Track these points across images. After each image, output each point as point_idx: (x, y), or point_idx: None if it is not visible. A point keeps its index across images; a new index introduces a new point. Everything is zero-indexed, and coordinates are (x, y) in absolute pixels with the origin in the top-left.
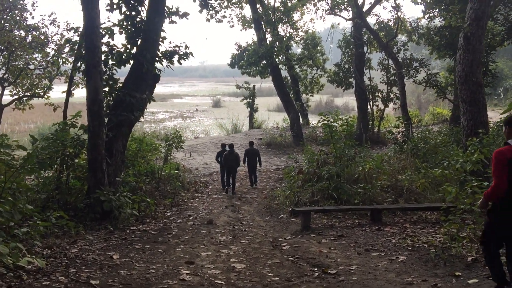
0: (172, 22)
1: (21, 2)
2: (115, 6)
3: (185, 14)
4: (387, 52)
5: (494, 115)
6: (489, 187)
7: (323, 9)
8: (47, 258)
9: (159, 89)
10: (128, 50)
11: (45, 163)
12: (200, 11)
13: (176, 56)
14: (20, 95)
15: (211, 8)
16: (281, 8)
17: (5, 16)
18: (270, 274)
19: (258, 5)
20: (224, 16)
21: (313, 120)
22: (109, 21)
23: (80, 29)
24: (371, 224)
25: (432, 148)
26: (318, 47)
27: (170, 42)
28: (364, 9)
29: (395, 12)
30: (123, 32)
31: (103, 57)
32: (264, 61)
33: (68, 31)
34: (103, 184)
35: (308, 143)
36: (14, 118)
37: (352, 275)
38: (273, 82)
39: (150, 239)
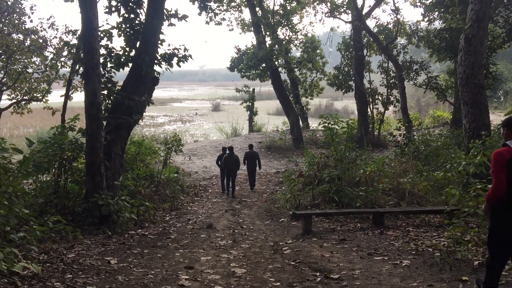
0: (171, 24)
1: (20, 5)
2: (113, 9)
3: (184, 17)
4: (387, 54)
5: (495, 118)
6: (489, 189)
7: (322, 12)
8: (43, 264)
9: (158, 93)
10: (126, 53)
11: (41, 166)
12: (199, 14)
13: (175, 59)
14: (19, 99)
15: (210, 11)
16: (281, 12)
17: (3, 20)
18: (271, 279)
19: (257, 9)
20: (224, 19)
21: (313, 123)
22: (107, 23)
23: (79, 32)
24: (373, 227)
25: (433, 150)
26: (318, 50)
27: (169, 45)
28: (364, 12)
29: (395, 15)
30: (122, 34)
31: (101, 60)
32: (264, 64)
33: (67, 34)
34: (102, 188)
35: (308, 146)
36: (13, 123)
37: (355, 280)
38: (272, 85)
39: (148, 244)
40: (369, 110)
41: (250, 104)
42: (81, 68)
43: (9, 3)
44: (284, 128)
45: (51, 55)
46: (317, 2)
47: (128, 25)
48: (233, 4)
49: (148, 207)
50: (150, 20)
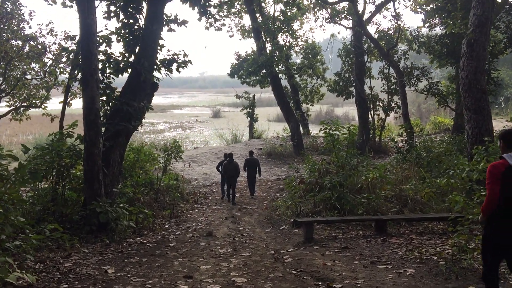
0: (170, 30)
1: (19, 11)
2: (112, 14)
3: (184, 22)
4: (388, 60)
5: (496, 124)
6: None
7: (323, 18)
8: (39, 273)
9: (159, 100)
10: (125, 59)
11: (37, 173)
12: (199, 19)
13: (175, 64)
14: (17, 106)
15: (210, 16)
16: (281, 18)
17: (2, 26)
18: None
19: (257, 15)
20: (224, 24)
21: (314, 129)
22: (106, 29)
23: (77, 38)
24: (376, 235)
25: (435, 157)
26: (318, 57)
27: (168, 50)
28: (364, 18)
29: (395, 21)
30: (121, 40)
31: (100, 66)
32: (264, 70)
33: (66, 41)
34: (100, 195)
35: (309, 153)
36: (12, 130)
37: None
38: (273, 92)
39: (147, 252)
40: (370, 116)
41: (250, 110)
42: (80, 74)
43: (8, 9)
44: (285, 134)
45: (50, 62)
46: (318, 8)
47: (127, 31)
48: (233, 10)
49: (147, 215)
50: (149, 26)
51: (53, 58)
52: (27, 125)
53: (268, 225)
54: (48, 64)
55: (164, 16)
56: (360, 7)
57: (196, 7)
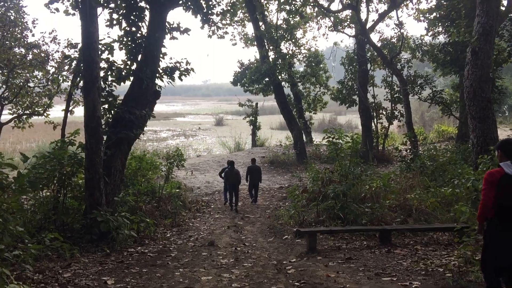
0: (173, 38)
1: (22, 19)
2: (115, 22)
3: (186, 30)
4: (392, 68)
5: (500, 133)
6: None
7: (326, 26)
8: (38, 284)
9: (162, 107)
10: (128, 66)
11: (36, 182)
12: (202, 27)
13: (177, 72)
14: (20, 113)
15: (212, 24)
16: (284, 26)
17: (5, 34)
18: None
19: (260, 23)
20: (226, 32)
21: (316, 138)
22: (109, 37)
23: (80, 45)
24: (380, 245)
25: (440, 166)
26: (321, 65)
27: (171, 58)
28: (367, 26)
29: (398, 30)
30: (123, 48)
31: (102, 73)
32: (267, 79)
33: (69, 48)
34: (101, 204)
35: (312, 161)
36: (16, 137)
37: None
38: (275, 100)
39: (148, 262)
40: (373, 124)
41: (253, 118)
42: (82, 82)
43: (12, 17)
44: (288, 142)
45: (53, 69)
46: (321, 16)
47: (129, 38)
48: (236, 18)
49: (148, 224)
50: (152, 33)
51: (56, 66)
52: (30, 132)
53: (270, 234)
54: (51, 72)
55: (166, 24)
56: (363, 16)
57: (198, 15)
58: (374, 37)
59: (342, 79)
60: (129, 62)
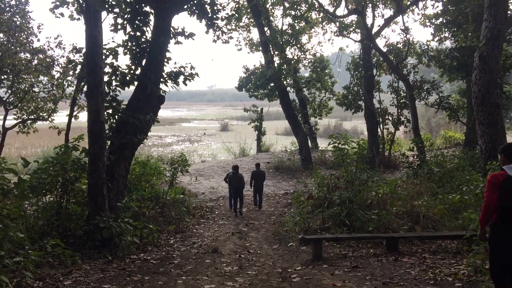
0: (177, 42)
1: (27, 25)
2: (119, 27)
3: (191, 35)
4: (398, 74)
5: (509, 139)
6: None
7: (331, 31)
8: None
9: (167, 113)
10: (132, 71)
11: (37, 188)
12: (207, 32)
13: (182, 77)
14: (24, 118)
15: (217, 29)
16: (289, 31)
17: (11, 39)
18: None
19: (265, 28)
20: (231, 37)
21: (322, 143)
22: (113, 41)
23: (84, 50)
24: (387, 253)
25: (447, 172)
26: (327, 70)
27: (175, 63)
28: (373, 31)
29: (404, 35)
30: (128, 52)
31: (106, 78)
32: (272, 84)
33: (74, 53)
34: (104, 210)
35: (317, 167)
36: (21, 142)
37: None
38: (281, 105)
39: (150, 270)
40: (379, 130)
41: (258, 124)
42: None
43: (17, 22)
44: (293, 148)
45: (58, 74)
46: (326, 21)
47: (134, 43)
48: (241, 24)
49: (151, 230)
50: (156, 38)
51: (61, 71)
52: (36, 137)
53: (275, 241)
54: (56, 77)
55: (171, 28)
56: (369, 21)
57: (203, 20)
58: (380, 42)
59: (348, 84)
60: (133, 67)
